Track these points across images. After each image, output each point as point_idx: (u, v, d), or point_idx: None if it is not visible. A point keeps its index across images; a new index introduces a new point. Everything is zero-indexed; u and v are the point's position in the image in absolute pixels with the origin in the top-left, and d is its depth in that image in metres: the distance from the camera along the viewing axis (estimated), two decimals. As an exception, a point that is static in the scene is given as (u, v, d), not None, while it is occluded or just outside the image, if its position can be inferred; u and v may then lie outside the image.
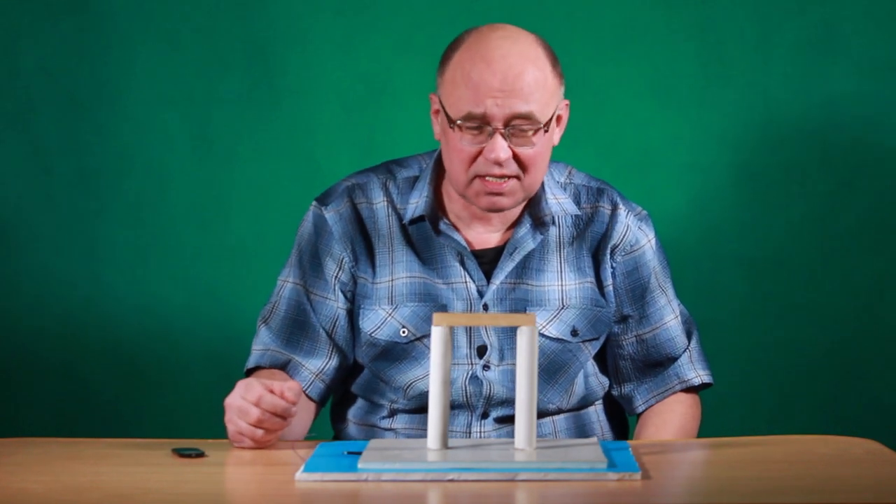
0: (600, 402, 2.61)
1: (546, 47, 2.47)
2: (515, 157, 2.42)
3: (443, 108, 2.45)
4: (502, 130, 2.40)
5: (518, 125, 2.41)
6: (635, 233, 2.57)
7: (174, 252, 3.44)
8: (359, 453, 2.15)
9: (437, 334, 2.15)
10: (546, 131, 2.43)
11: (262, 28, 3.42)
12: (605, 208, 2.56)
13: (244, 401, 2.27)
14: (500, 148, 2.40)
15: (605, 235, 2.55)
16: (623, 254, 2.56)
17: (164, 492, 2.05)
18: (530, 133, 2.41)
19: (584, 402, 2.58)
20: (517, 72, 2.40)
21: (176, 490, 2.06)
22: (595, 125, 3.41)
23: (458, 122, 2.41)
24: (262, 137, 3.43)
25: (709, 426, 2.74)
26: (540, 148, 2.43)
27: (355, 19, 3.41)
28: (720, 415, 3.37)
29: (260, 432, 2.28)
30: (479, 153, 2.42)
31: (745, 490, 2.03)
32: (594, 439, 2.30)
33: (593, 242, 2.55)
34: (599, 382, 2.58)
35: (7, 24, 3.42)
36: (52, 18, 3.41)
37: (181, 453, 2.24)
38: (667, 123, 3.41)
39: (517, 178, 2.43)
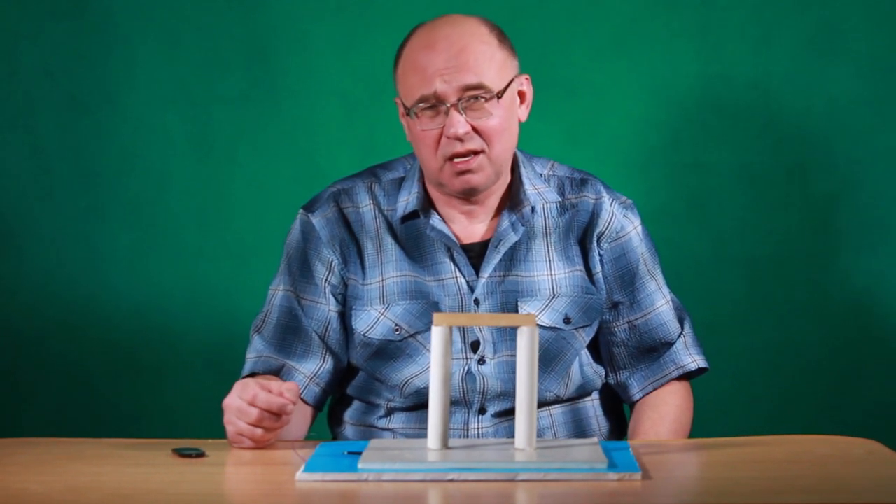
0: (597, 395, 2.62)
1: (491, 25, 2.51)
2: (476, 131, 2.45)
3: (401, 101, 2.48)
4: (456, 104, 2.43)
5: (471, 96, 2.44)
6: (620, 220, 2.58)
7: (174, 252, 3.44)
8: (359, 453, 2.15)
9: (436, 334, 2.15)
10: (500, 98, 2.45)
11: (262, 28, 3.42)
12: (589, 197, 2.58)
13: (242, 401, 2.28)
14: (458, 122, 2.44)
15: (591, 224, 2.57)
16: (609, 241, 2.57)
17: (164, 492, 2.05)
18: (485, 103, 2.45)
19: (582, 392, 2.58)
20: (460, 47, 2.45)
21: (176, 490, 2.06)
22: (595, 125, 3.41)
23: (414, 108, 2.44)
24: (262, 137, 3.43)
25: (709, 426, 2.74)
26: (499, 119, 2.46)
27: (355, 19, 3.41)
28: (720, 415, 3.37)
29: (259, 432, 2.28)
30: (442, 134, 2.45)
31: (745, 490, 2.03)
32: (594, 439, 2.31)
33: (579, 231, 2.57)
34: (595, 371, 2.59)
35: (7, 24, 3.42)
36: (53, 19, 3.41)
37: (181, 453, 2.24)
38: (667, 123, 3.41)
39: (483, 152, 2.46)
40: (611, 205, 2.58)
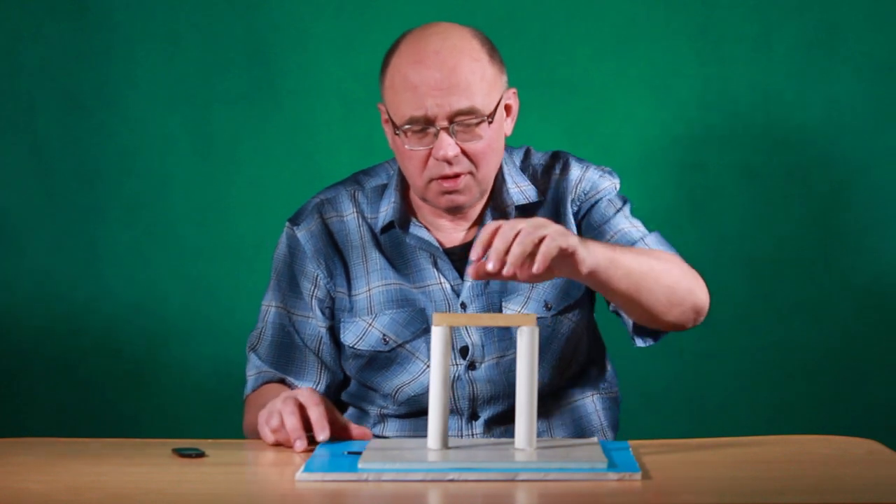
0: (597, 393, 2.61)
1: (482, 38, 2.47)
2: (465, 153, 2.43)
3: (388, 116, 2.46)
4: (447, 127, 2.41)
5: (462, 121, 2.41)
6: (594, 180, 2.55)
7: (174, 252, 3.44)
8: (359, 453, 2.15)
9: (436, 334, 2.15)
10: (491, 122, 2.43)
11: (262, 28, 3.42)
12: (556, 173, 2.56)
13: (272, 411, 2.27)
14: (448, 145, 2.41)
15: (561, 198, 2.55)
16: (582, 198, 2.55)
17: (164, 492, 2.05)
18: (475, 126, 2.42)
19: (582, 380, 2.57)
20: (451, 66, 2.40)
21: (176, 490, 2.06)
22: (595, 125, 3.41)
23: (403, 127, 2.42)
24: (262, 137, 3.43)
25: (709, 426, 2.74)
26: (488, 141, 2.44)
27: (355, 19, 3.41)
28: (720, 415, 3.37)
29: (271, 437, 2.29)
30: (430, 155, 2.43)
31: (745, 490, 2.03)
32: (594, 439, 2.31)
33: (553, 207, 2.55)
34: (597, 351, 2.59)
35: (7, 24, 3.42)
36: (53, 19, 3.41)
37: (181, 453, 2.24)
38: (667, 123, 3.41)
39: (470, 173, 2.44)
40: (580, 170, 2.56)
